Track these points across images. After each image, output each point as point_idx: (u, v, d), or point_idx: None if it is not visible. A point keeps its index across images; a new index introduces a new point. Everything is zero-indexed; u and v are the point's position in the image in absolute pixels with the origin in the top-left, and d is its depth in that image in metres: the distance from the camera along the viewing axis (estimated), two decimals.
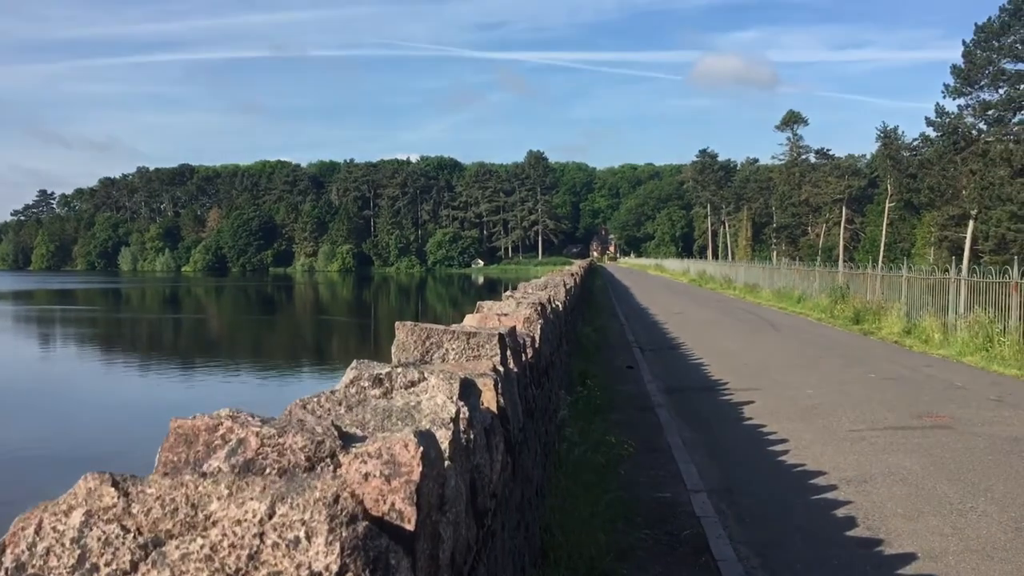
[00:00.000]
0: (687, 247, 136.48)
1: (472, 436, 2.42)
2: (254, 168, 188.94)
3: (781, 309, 32.18)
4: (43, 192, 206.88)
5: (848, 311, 25.89)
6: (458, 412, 2.22)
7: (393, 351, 3.52)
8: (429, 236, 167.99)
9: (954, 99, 60.93)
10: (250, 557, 1.22)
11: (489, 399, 3.02)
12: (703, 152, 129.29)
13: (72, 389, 23.84)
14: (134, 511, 1.25)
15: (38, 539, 1.23)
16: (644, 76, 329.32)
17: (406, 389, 2.36)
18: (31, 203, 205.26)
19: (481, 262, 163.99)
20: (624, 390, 13.30)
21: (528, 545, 4.29)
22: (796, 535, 6.56)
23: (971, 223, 57.92)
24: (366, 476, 1.57)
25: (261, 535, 1.23)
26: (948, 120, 60.89)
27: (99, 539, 1.22)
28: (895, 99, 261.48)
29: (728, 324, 25.99)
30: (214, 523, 1.24)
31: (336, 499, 1.27)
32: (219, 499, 1.26)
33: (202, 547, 1.22)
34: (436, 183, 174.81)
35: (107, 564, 1.21)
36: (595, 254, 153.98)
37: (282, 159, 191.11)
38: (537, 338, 5.47)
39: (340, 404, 2.23)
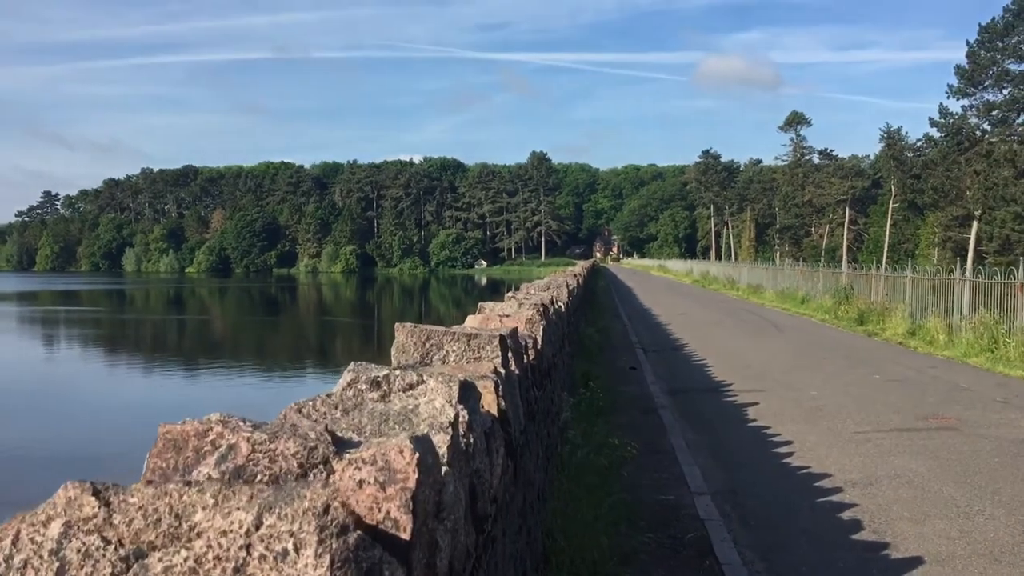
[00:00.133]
0: (690, 248, 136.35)
1: (472, 440, 2.37)
2: (258, 169, 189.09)
3: (785, 310, 32.10)
4: (47, 193, 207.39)
5: (852, 312, 25.81)
6: (457, 416, 2.16)
7: (393, 353, 3.47)
8: (432, 237, 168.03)
9: (958, 100, 60.88)
10: (236, 570, 1.16)
11: (489, 402, 2.97)
12: (706, 153, 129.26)
13: (74, 390, 23.83)
14: (115, 522, 1.20)
15: (15, 551, 1.17)
16: (647, 77, 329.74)
17: (404, 392, 2.31)
18: (35, 204, 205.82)
19: (484, 263, 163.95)
20: (627, 391, 13.24)
21: (530, 550, 4.24)
22: (801, 538, 6.50)
23: (975, 224, 57.77)
24: (360, 483, 1.52)
25: (248, 547, 1.18)
26: (952, 121, 60.76)
27: (79, 551, 1.17)
28: (899, 100, 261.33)
29: (732, 325, 25.91)
30: (199, 534, 1.19)
31: (326, 509, 1.22)
32: (204, 509, 1.21)
33: (186, 559, 1.17)
34: (439, 184, 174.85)
35: None
36: (598, 255, 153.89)
37: (285, 160, 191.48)
38: (539, 339, 5.41)
39: (336, 408, 2.18)
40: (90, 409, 20.41)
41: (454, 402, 2.25)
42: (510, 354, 3.74)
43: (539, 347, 5.34)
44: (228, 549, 1.17)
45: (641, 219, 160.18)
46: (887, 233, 79.75)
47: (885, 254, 72.53)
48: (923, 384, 14.04)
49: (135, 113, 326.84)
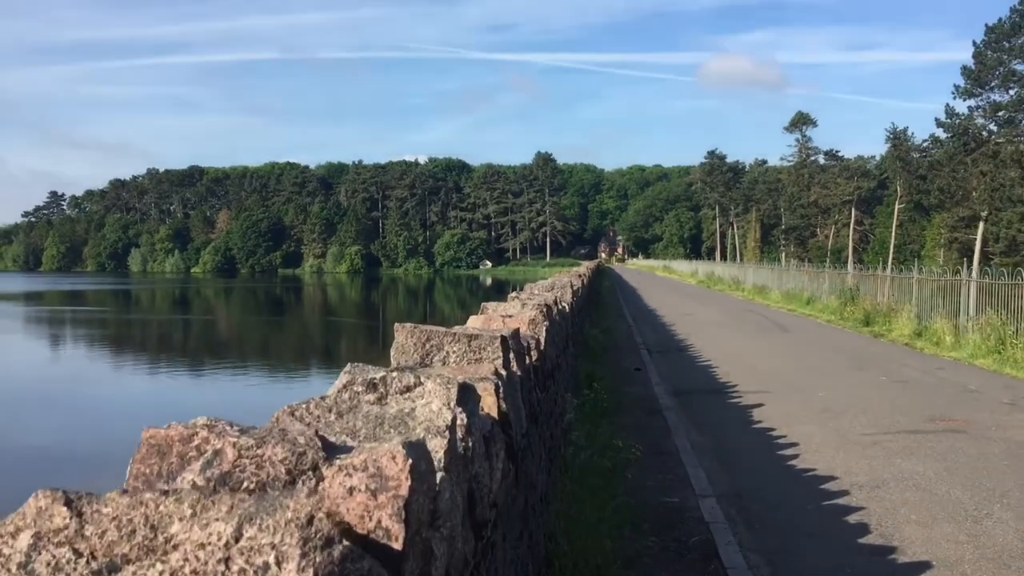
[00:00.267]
0: (695, 249, 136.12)
1: (470, 444, 2.31)
2: (263, 169, 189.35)
3: (790, 311, 31.98)
4: (54, 194, 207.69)
5: (858, 313, 25.69)
6: (454, 419, 2.10)
7: (392, 354, 3.41)
8: (437, 237, 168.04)
9: (964, 100, 60.62)
10: None
11: (490, 404, 2.91)
12: (712, 153, 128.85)
13: (75, 390, 23.82)
14: (87, 533, 1.14)
15: None
16: (652, 77, 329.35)
17: (401, 395, 2.25)
18: (42, 204, 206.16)
19: (489, 263, 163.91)
20: (631, 392, 13.16)
21: (531, 554, 4.17)
22: (808, 542, 6.43)
23: (981, 225, 57.54)
24: (351, 491, 1.46)
25: (227, 560, 1.12)
26: (958, 121, 60.52)
27: (48, 564, 1.11)
28: (905, 100, 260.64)
29: (737, 326, 25.82)
30: (175, 547, 1.13)
31: (310, 520, 1.16)
32: (181, 520, 1.15)
33: (161, 573, 1.11)
34: (444, 184, 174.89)
35: None
36: (603, 255, 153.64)
37: (291, 160, 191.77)
38: (542, 340, 5.35)
39: (330, 411, 2.12)
40: (90, 409, 20.39)
41: (452, 405, 2.18)
42: (512, 355, 3.68)
43: (542, 348, 5.28)
44: (206, 563, 1.11)
45: (646, 220, 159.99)
46: (893, 234, 79.49)
47: (891, 255, 72.32)
48: (930, 386, 13.94)
49: (142, 113, 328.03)
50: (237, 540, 1.13)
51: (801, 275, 37.68)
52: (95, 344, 37.49)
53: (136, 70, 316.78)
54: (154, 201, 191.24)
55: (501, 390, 3.02)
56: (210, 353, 34.51)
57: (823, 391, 13.27)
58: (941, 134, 63.36)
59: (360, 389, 2.24)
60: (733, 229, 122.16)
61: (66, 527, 1.14)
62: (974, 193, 57.72)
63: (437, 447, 1.96)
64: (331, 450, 1.56)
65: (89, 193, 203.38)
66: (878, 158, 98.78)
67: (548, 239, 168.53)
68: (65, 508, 1.15)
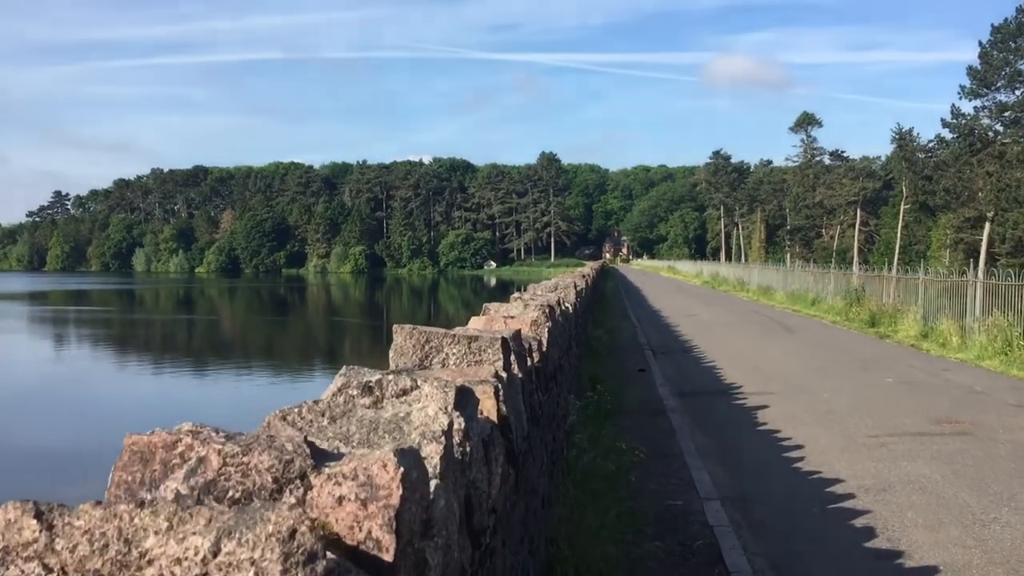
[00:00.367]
0: (700, 249, 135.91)
1: (468, 449, 2.25)
2: (267, 169, 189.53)
3: (795, 312, 31.88)
4: (58, 193, 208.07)
5: (863, 314, 25.58)
6: (451, 424, 2.04)
7: (391, 355, 3.36)
8: (441, 237, 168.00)
9: (970, 100, 60.37)
10: None
11: (489, 408, 2.84)
12: (716, 154, 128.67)
13: (75, 391, 23.81)
14: (58, 547, 1.08)
15: None
16: (657, 77, 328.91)
17: (397, 398, 2.19)
18: (46, 204, 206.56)
19: (493, 263, 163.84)
20: (635, 394, 13.09)
21: (532, 560, 4.11)
22: (813, 546, 6.36)
23: (987, 225, 57.30)
24: (340, 500, 1.41)
25: None
26: (964, 121, 60.32)
27: None
28: (910, 100, 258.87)
29: (741, 327, 25.73)
30: (150, 562, 1.07)
31: (292, 533, 1.10)
32: (157, 533, 1.09)
33: None
34: (449, 184, 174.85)
35: None
36: (607, 256, 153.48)
37: (295, 160, 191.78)
38: (544, 341, 5.29)
39: (323, 415, 2.07)
40: (91, 410, 20.35)
41: (449, 409, 2.13)
42: (513, 357, 3.62)
43: (544, 349, 5.22)
44: None
45: (651, 220, 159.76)
46: (898, 235, 79.23)
47: (896, 256, 72.03)
48: (936, 387, 13.85)
49: (146, 113, 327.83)
50: (215, 555, 1.07)
51: (806, 276, 37.55)
52: (98, 344, 37.50)
53: (140, 70, 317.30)
54: (158, 201, 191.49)
55: (501, 393, 2.96)
56: (213, 354, 34.50)
57: (828, 393, 13.19)
58: (947, 134, 63.23)
59: (355, 392, 2.18)
60: (738, 230, 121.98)
61: (35, 541, 1.08)
62: (980, 194, 57.50)
63: (432, 453, 1.91)
64: (321, 457, 1.50)
65: (93, 193, 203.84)
66: (884, 158, 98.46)
67: (552, 239, 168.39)
68: (35, 521, 1.09)
